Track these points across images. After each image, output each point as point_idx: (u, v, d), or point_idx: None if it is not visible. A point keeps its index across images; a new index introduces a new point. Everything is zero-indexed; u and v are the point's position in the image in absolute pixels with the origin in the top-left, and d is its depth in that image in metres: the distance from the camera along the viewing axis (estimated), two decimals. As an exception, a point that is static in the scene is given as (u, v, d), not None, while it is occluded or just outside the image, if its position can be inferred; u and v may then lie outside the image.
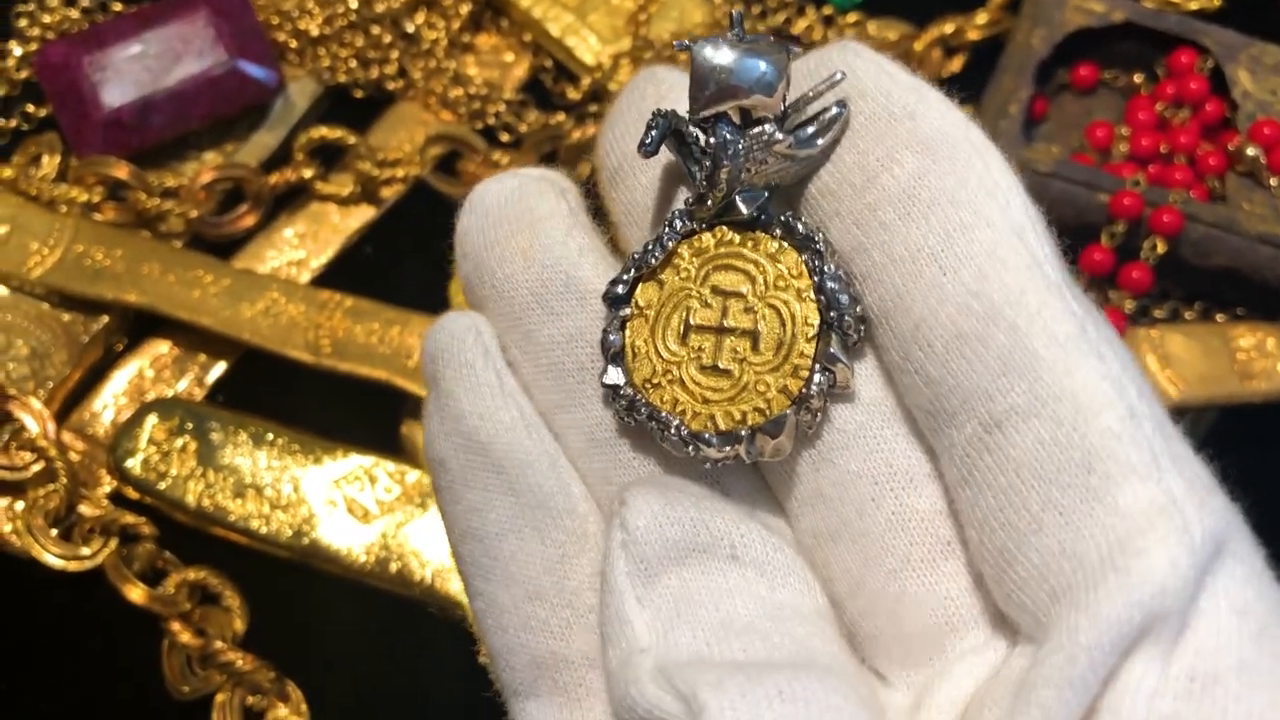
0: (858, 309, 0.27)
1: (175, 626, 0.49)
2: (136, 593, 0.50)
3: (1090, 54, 0.58)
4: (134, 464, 0.51)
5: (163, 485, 0.51)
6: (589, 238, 0.30)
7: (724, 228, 0.28)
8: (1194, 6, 0.60)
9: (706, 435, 0.27)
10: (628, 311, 0.28)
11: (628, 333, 0.28)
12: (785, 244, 0.28)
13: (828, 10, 0.61)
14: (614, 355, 0.28)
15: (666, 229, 0.28)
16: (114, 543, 0.50)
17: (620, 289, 0.28)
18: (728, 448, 0.27)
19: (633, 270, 0.28)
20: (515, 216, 0.30)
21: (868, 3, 0.61)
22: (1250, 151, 0.53)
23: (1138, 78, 0.58)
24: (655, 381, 0.28)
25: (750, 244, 0.28)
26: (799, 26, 0.61)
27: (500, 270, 0.29)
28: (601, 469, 0.29)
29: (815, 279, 0.27)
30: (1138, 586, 0.23)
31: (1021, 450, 0.24)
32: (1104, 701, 0.23)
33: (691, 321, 0.28)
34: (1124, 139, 0.56)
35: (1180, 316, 0.55)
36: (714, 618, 0.26)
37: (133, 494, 0.51)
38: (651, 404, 0.28)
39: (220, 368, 0.54)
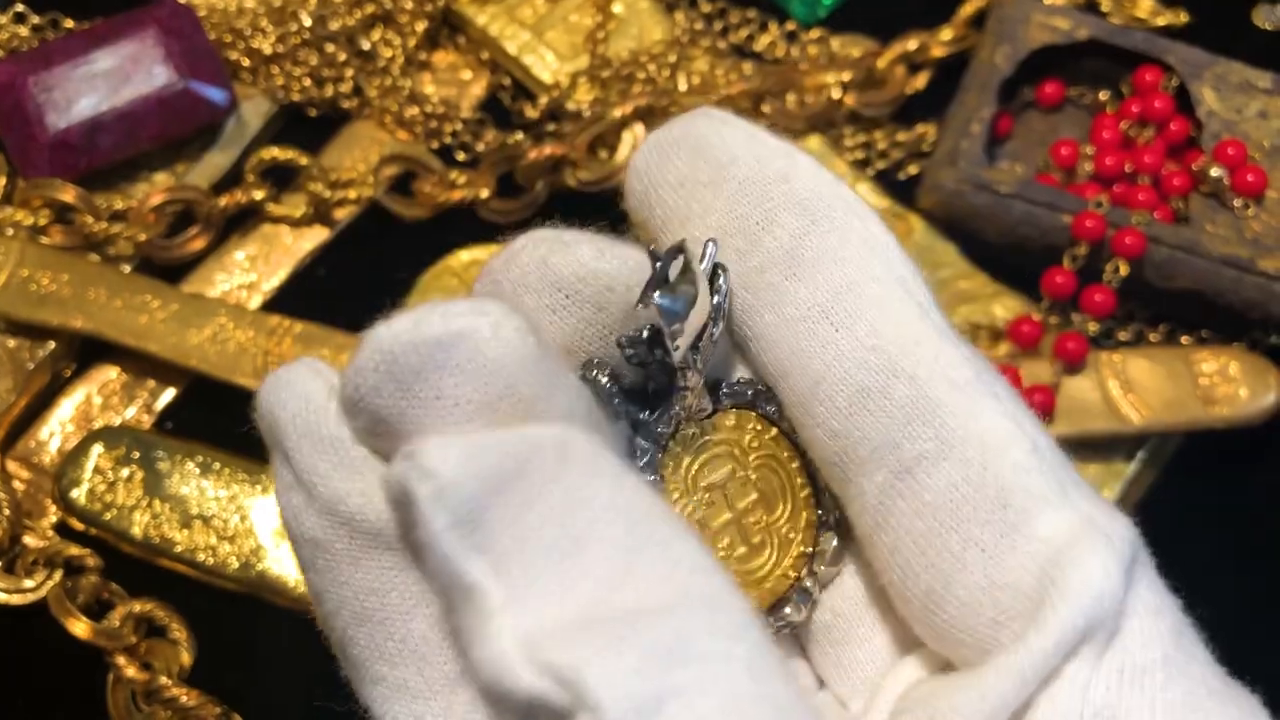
0: None
1: (120, 660, 0.48)
2: (80, 626, 0.49)
3: (1055, 71, 0.57)
4: (79, 494, 0.50)
5: (108, 516, 0.50)
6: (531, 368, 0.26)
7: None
8: (1160, 23, 0.59)
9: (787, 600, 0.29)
10: None
11: None
12: (734, 410, 0.28)
13: (790, 26, 0.60)
14: None
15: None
16: (58, 575, 0.49)
17: None
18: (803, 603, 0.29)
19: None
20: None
21: (831, 18, 0.60)
22: (1214, 172, 0.53)
23: (1103, 95, 0.57)
24: None
25: (712, 429, 0.28)
26: (762, 43, 0.60)
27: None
28: None
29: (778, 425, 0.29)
30: (1078, 594, 0.24)
31: (935, 493, 0.26)
32: (1041, 694, 0.24)
33: (711, 526, 0.28)
34: (1088, 158, 0.55)
35: (1144, 339, 0.54)
36: (565, 540, 0.23)
37: (78, 525, 0.50)
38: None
39: (169, 394, 0.53)
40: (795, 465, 0.29)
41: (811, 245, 0.27)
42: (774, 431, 0.29)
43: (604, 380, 0.27)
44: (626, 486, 0.24)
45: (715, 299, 0.27)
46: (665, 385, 0.28)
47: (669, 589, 0.23)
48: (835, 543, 0.29)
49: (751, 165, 0.28)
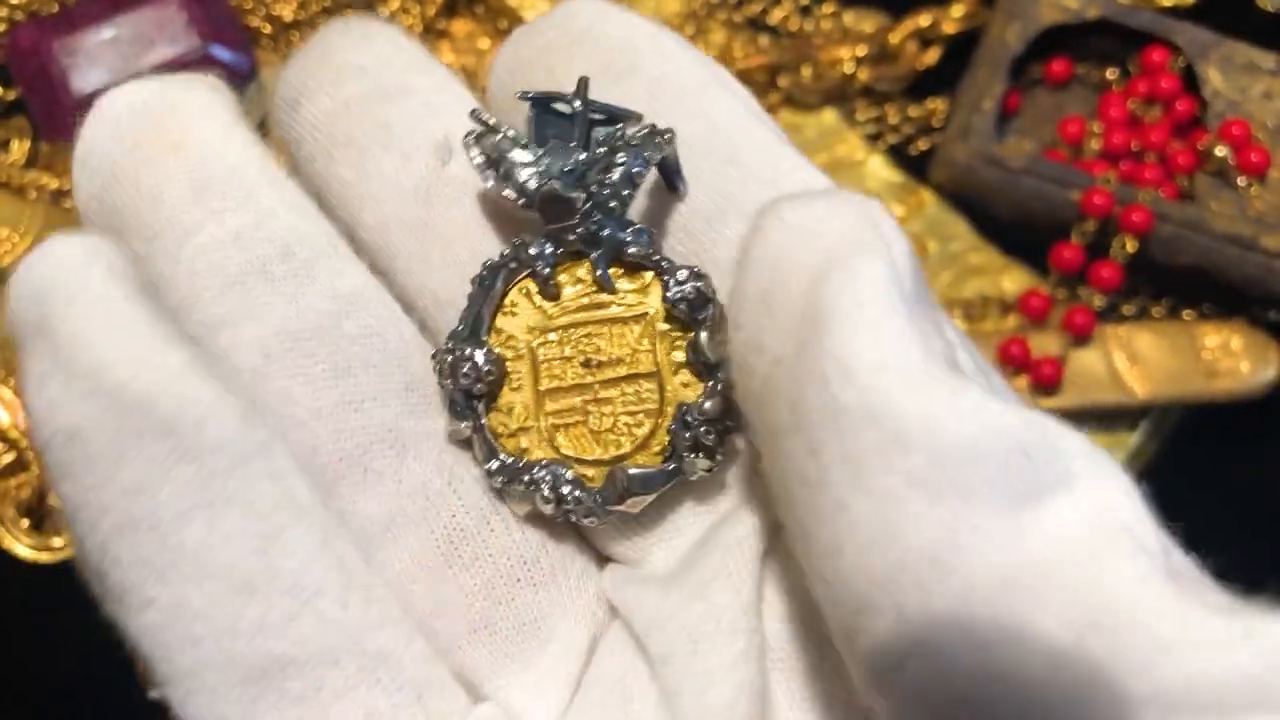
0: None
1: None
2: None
3: (1064, 49, 0.58)
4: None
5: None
6: (252, 136, 0.28)
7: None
8: (1168, 3, 0.60)
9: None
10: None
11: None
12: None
13: (804, 0, 0.61)
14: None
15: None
16: (86, 533, 0.50)
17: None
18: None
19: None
20: (161, 115, 0.26)
21: (844, -7, 0.61)
22: (1219, 151, 0.54)
23: (1111, 74, 0.59)
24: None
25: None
26: (776, 16, 0.61)
27: (142, 172, 0.26)
28: (283, 387, 0.26)
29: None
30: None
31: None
32: None
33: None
34: (1096, 135, 0.56)
35: (1149, 314, 0.56)
36: None
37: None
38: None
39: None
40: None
41: (673, 85, 0.28)
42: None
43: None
44: None
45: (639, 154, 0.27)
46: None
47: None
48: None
49: (622, 24, 0.29)
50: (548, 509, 0.27)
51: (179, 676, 0.23)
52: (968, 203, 0.56)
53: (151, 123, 0.26)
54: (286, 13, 0.58)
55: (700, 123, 0.28)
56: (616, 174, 0.27)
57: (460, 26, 0.61)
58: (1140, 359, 0.53)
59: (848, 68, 0.58)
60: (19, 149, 0.56)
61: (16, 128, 0.56)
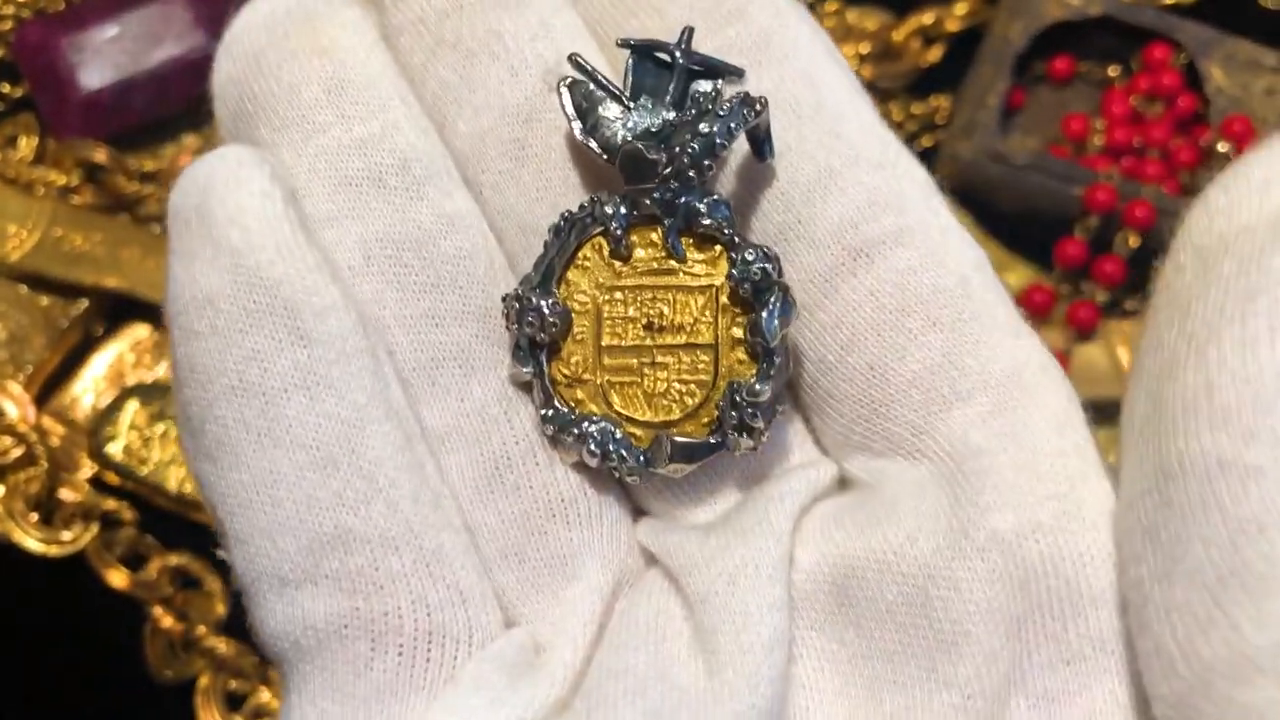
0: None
1: (157, 611, 0.49)
2: (118, 577, 0.50)
3: (1067, 46, 0.58)
4: (115, 449, 0.51)
5: (144, 470, 0.51)
6: (388, 53, 0.28)
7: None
8: (1170, 0, 0.60)
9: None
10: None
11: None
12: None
13: (808, -2, 0.61)
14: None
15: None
16: (95, 527, 0.50)
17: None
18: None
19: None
20: (314, 18, 0.28)
21: (848, -9, 0.61)
22: (1221, 147, 0.54)
23: (1113, 71, 0.59)
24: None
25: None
26: (779, 14, 0.61)
27: (286, 66, 0.27)
28: (376, 290, 0.27)
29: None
30: (1051, 404, 0.26)
31: (894, 274, 0.26)
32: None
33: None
34: (1099, 132, 0.56)
35: (1151, 308, 0.56)
36: None
37: (114, 479, 0.51)
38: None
39: (200, 352, 0.54)
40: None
41: (780, 42, 0.28)
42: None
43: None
44: None
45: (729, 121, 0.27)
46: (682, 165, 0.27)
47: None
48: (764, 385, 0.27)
49: None
50: (593, 462, 0.27)
51: (252, 535, 0.25)
52: (972, 199, 0.56)
53: (304, 22, 0.28)
54: (293, 10, 0.58)
55: (806, 88, 0.27)
56: (699, 143, 0.27)
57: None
58: (1144, 353, 0.53)
59: (852, 65, 0.59)
60: (27, 145, 0.56)
61: (24, 124, 0.56)
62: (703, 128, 0.27)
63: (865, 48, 0.59)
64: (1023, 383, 0.26)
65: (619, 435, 0.27)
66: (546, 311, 0.27)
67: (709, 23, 0.28)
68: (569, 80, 0.28)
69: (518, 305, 0.27)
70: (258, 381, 0.25)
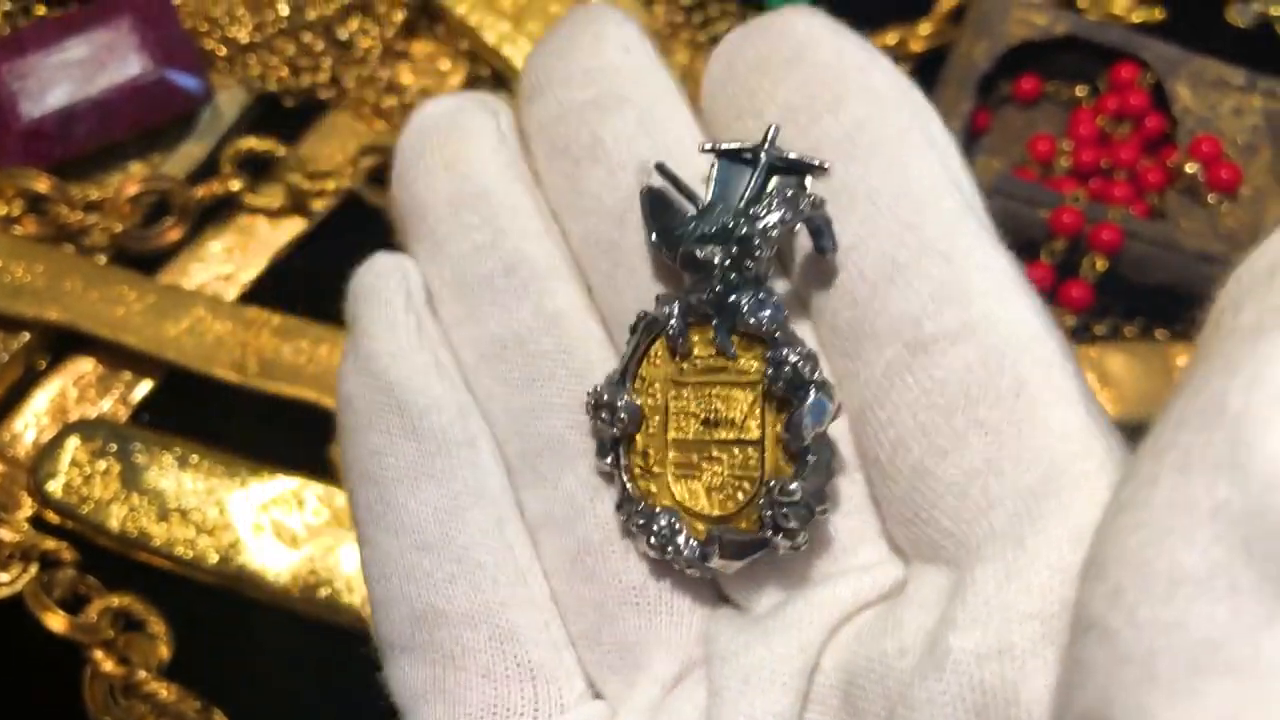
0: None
1: (98, 655, 0.48)
2: (57, 621, 0.48)
3: (1033, 66, 0.57)
4: (55, 487, 0.50)
5: (85, 509, 0.50)
6: (513, 156, 0.30)
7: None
8: (1137, 19, 0.59)
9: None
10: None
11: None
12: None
13: (770, 19, 0.60)
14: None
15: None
16: (34, 568, 0.49)
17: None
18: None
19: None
20: (446, 130, 0.30)
21: (810, 12, 0.60)
22: (1189, 168, 0.53)
23: (1080, 90, 0.58)
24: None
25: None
26: (741, 35, 0.60)
27: (422, 180, 0.30)
28: (487, 386, 0.29)
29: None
30: (1076, 517, 0.24)
31: (947, 372, 0.26)
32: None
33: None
34: (1066, 153, 0.55)
35: (1120, 334, 0.55)
36: None
37: (54, 518, 0.50)
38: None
39: (146, 386, 0.53)
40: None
41: (872, 131, 0.27)
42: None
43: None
44: None
45: (786, 212, 0.27)
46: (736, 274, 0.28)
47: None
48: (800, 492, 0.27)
49: (833, 51, 0.28)
50: (653, 554, 0.28)
51: (375, 604, 0.29)
52: (936, 222, 0.55)
53: (436, 138, 0.30)
54: (242, 35, 0.57)
55: (890, 179, 0.27)
56: (738, 246, 0.27)
57: (420, 48, 0.60)
58: (1112, 380, 0.52)
59: (814, 86, 0.58)
60: (-33, 175, 0.54)
61: (-35, 154, 0.55)
62: (744, 229, 0.27)
63: (828, 69, 0.58)
64: (1052, 490, 0.24)
65: (679, 527, 0.28)
66: (619, 407, 0.28)
67: (805, 117, 0.28)
68: (648, 188, 0.29)
69: (593, 401, 0.29)
70: (377, 472, 0.29)
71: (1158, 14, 0.60)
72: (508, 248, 0.30)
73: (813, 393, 0.26)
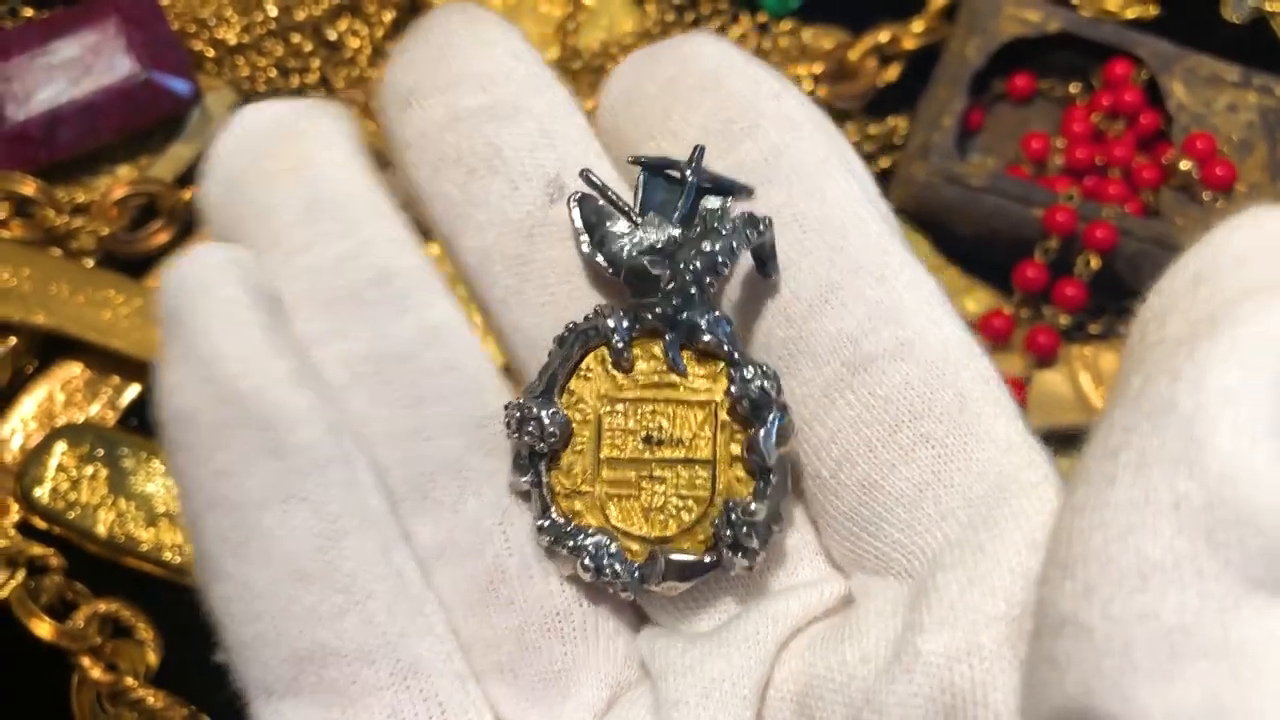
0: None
1: (85, 662, 0.47)
2: (44, 627, 0.48)
3: (1026, 64, 0.57)
4: (42, 492, 0.49)
5: (72, 514, 0.49)
6: (368, 164, 0.29)
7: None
8: (1130, 15, 0.59)
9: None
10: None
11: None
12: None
13: (762, 18, 0.60)
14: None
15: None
16: (21, 575, 0.49)
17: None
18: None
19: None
20: (289, 134, 0.28)
21: (802, 10, 0.60)
22: (1184, 165, 0.53)
23: (1074, 88, 0.57)
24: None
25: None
26: (733, 34, 0.60)
27: (262, 188, 0.28)
28: (362, 408, 0.27)
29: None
30: (1029, 523, 0.24)
31: (889, 389, 0.26)
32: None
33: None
34: (1059, 151, 0.55)
35: (1115, 332, 0.54)
36: None
37: (41, 523, 0.49)
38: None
39: (134, 391, 0.53)
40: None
41: (792, 157, 0.27)
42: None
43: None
44: None
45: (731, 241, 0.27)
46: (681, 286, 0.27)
47: None
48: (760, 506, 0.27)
49: (746, 78, 0.28)
50: (587, 577, 0.27)
51: (239, 646, 0.26)
52: (928, 222, 0.55)
53: (276, 143, 0.28)
54: (230, 36, 0.57)
55: (814, 203, 0.27)
56: (702, 261, 0.27)
57: (410, 48, 0.60)
58: (1106, 379, 0.51)
59: (806, 85, 0.57)
60: (-47, 179, 0.54)
61: (-49, 157, 0.54)
62: (706, 246, 0.27)
63: (819, 67, 0.57)
64: (1004, 498, 0.25)
65: (614, 549, 0.27)
66: (546, 421, 0.27)
67: (723, 141, 0.28)
68: (579, 195, 0.28)
69: (518, 414, 0.27)
70: (231, 496, 0.25)
71: (1152, 10, 0.59)
72: (377, 258, 0.28)
73: (777, 413, 0.26)
